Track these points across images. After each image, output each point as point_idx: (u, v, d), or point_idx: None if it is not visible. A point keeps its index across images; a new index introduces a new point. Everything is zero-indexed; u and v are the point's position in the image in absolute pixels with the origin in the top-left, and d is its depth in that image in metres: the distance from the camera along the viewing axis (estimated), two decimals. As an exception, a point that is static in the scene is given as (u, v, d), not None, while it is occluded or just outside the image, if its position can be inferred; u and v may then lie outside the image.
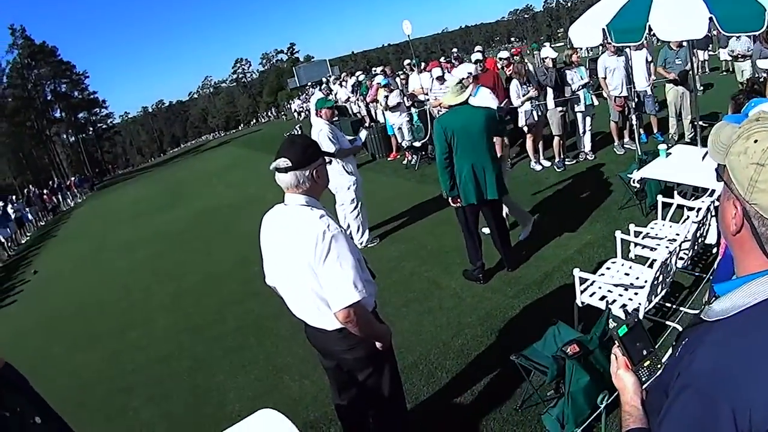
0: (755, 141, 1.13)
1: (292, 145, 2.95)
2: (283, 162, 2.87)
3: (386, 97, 13.26)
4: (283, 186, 2.97)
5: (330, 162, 3.15)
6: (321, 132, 7.44)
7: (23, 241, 25.25)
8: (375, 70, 18.40)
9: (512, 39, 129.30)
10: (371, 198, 8.34)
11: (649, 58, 10.08)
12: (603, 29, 6.83)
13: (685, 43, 9.25)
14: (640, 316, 4.20)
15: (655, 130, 10.58)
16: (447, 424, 4.34)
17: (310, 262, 2.76)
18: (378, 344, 3.10)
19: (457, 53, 16.12)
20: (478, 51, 13.35)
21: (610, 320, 3.82)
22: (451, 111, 6.04)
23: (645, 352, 1.52)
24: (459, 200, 5.96)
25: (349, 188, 7.76)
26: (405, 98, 13.62)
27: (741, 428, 1.02)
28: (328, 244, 2.72)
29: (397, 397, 3.52)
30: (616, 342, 1.54)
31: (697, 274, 5.39)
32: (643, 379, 1.50)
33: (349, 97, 19.27)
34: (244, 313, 7.50)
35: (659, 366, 1.51)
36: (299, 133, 17.64)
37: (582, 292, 4.68)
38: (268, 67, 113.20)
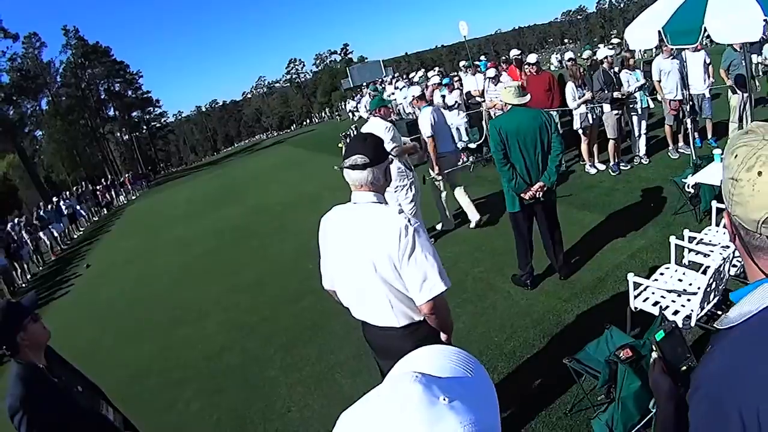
0: (735, 156, 1.16)
1: (366, 142, 2.96)
2: (360, 159, 2.87)
3: (443, 96, 13.25)
4: (356, 183, 2.96)
5: (392, 161, 3.17)
6: (387, 129, 7.49)
7: (75, 236, 25.95)
8: (429, 74, 18.26)
9: (565, 40, 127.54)
10: (426, 199, 8.37)
11: (708, 60, 9.83)
12: (659, 31, 6.78)
13: (739, 47, 9.08)
14: (692, 323, 4.18)
15: (710, 135, 10.35)
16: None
17: (393, 257, 2.77)
18: (443, 336, 3.13)
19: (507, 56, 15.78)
20: (515, 53, 13.47)
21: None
22: (506, 113, 6.11)
23: (681, 358, 1.55)
24: (531, 190, 5.87)
25: (407, 186, 7.80)
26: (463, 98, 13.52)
27: (749, 429, 1.04)
28: (412, 237, 2.72)
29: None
30: (654, 347, 1.58)
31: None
32: (679, 383, 1.53)
33: (397, 99, 19.26)
34: (299, 311, 7.57)
35: None
36: (355, 133, 17.72)
37: (635, 297, 4.65)
38: (322, 67, 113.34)
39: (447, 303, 2.97)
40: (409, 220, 2.78)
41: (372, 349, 3.38)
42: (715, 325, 1.30)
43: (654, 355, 1.59)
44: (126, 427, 3.53)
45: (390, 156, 3.07)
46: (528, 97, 6.01)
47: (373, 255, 2.82)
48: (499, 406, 0.92)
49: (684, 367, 1.54)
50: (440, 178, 8.43)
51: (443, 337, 3.14)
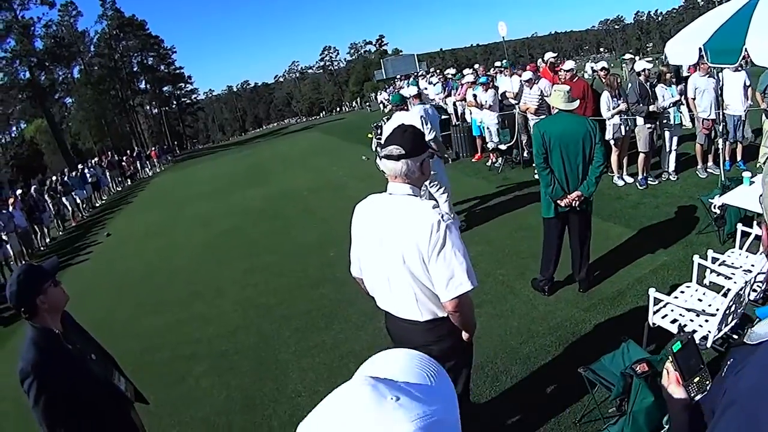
0: None
1: (404, 133, 2.95)
2: (395, 149, 2.88)
3: (475, 96, 13.18)
4: (391, 174, 2.96)
5: (432, 156, 3.17)
6: (422, 116, 7.73)
7: (98, 204, 26.16)
8: (465, 71, 18.22)
9: (601, 49, 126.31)
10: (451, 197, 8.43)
11: (748, 82, 9.63)
12: (699, 48, 6.73)
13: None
14: (708, 344, 4.16)
15: (739, 158, 10.18)
16: (505, 430, 4.37)
17: (422, 251, 2.77)
18: (465, 335, 3.14)
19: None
20: (550, 56, 13.52)
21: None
22: (551, 117, 6.07)
23: (696, 369, 1.58)
24: (568, 198, 5.78)
25: (438, 177, 7.89)
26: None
27: None
28: (443, 233, 2.73)
29: (466, 393, 3.60)
30: (669, 357, 1.60)
31: (769, 308, 5.24)
32: (692, 394, 1.55)
33: (430, 94, 19.18)
34: (317, 297, 7.59)
35: (707, 383, 1.56)
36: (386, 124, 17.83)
37: (654, 312, 4.65)
38: (356, 57, 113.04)
39: (472, 302, 2.98)
40: (442, 216, 2.77)
41: (392, 340, 3.39)
42: (744, 339, 1.32)
43: (668, 365, 1.62)
44: (136, 397, 3.60)
45: (429, 150, 3.05)
46: (576, 104, 5.95)
47: (403, 247, 2.83)
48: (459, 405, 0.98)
49: (697, 378, 1.57)
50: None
51: (465, 335, 3.15)
